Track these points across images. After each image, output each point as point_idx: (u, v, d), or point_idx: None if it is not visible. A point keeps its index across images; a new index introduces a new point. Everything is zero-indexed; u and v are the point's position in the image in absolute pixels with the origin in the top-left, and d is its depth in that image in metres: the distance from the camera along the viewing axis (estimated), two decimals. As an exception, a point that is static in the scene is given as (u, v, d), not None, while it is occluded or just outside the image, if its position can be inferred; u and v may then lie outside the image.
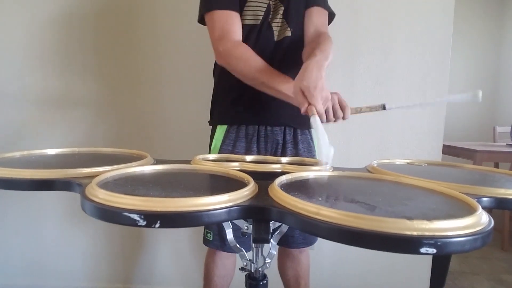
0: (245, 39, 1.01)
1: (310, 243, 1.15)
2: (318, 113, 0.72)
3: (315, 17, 1.06)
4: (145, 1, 1.55)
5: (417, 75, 1.53)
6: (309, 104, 0.75)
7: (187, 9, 1.53)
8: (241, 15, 1.00)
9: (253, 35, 1.01)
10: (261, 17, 1.00)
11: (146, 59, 1.57)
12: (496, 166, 2.65)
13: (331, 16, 1.13)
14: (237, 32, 0.98)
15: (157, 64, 1.57)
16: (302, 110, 0.77)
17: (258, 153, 1.05)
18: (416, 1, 1.50)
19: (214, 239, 1.08)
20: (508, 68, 3.58)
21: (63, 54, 1.56)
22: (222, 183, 0.66)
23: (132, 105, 1.58)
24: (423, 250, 0.36)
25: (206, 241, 1.10)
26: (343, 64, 1.50)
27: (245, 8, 1.00)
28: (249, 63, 0.94)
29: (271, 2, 1.02)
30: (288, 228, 0.78)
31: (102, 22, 1.56)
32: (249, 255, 0.71)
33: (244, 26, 1.01)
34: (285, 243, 1.12)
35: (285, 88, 0.89)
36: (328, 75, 0.80)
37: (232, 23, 0.97)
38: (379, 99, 1.53)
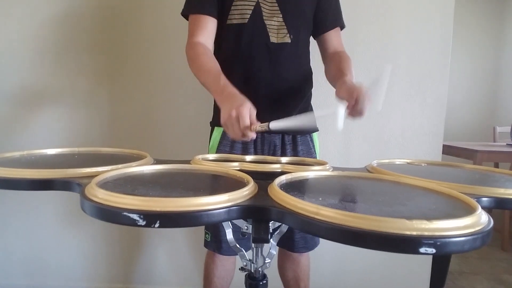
0: (235, 39, 1.01)
1: (311, 247, 1.13)
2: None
3: (334, 39, 1.11)
4: (145, 0, 1.55)
5: (417, 75, 1.52)
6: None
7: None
8: (228, 16, 1.01)
9: (243, 34, 1.00)
10: (248, 16, 1.00)
11: (146, 58, 1.56)
12: (496, 166, 2.65)
13: (342, 28, 1.15)
14: (200, 35, 1.00)
15: (158, 64, 1.56)
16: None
17: (256, 154, 1.05)
18: (416, 2, 1.50)
19: (212, 240, 1.08)
20: (508, 68, 3.58)
21: (62, 53, 1.56)
22: (221, 183, 0.66)
23: (132, 105, 1.58)
24: (422, 250, 0.37)
25: (205, 243, 1.11)
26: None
27: (232, 8, 1.01)
28: (196, 63, 0.97)
29: (261, 2, 1.01)
30: (290, 232, 0.77)
31: (101, 21, 1.56)
32: (249, 255, 0.71)
33: (232, 26, 1.01)
34: (286, 246, 1.12)
35: (213, 90, 0.90)
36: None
37: (198, 26, 1.00)
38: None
